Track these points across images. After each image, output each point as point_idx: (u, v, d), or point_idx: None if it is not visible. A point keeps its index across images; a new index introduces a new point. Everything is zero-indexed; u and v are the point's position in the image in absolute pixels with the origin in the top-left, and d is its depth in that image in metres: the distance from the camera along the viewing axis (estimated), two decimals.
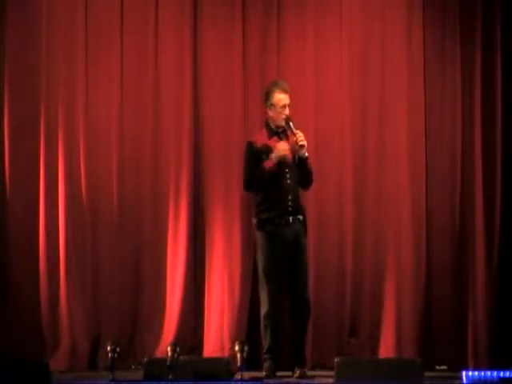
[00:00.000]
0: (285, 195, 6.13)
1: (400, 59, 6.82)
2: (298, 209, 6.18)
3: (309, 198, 6.56)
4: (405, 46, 6.83)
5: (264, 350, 6.19)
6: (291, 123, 6.13)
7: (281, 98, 6.15)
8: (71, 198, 6.73)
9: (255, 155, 6.14)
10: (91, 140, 6.81)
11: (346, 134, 6.81)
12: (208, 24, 6.87)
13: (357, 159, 6.81)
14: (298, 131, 6.09)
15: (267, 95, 6.21)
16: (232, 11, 6.85)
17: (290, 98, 6.17)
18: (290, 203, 6.13)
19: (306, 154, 6.12)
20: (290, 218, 6.13)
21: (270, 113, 6.21)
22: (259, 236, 6.20)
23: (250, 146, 6.18)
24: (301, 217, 6.18)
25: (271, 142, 6.16)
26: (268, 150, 6.14)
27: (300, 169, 6.16)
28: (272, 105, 6.18)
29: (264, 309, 6.16)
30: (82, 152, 6.76)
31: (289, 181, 6.14)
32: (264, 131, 6.25)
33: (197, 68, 6.87)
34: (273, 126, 6.21)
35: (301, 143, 6.08)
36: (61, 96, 6.78)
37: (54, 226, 6.70)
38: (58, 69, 6.80)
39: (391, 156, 6.80)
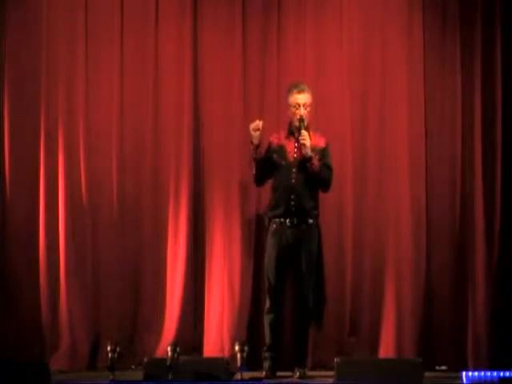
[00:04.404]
0: (287, 195, 6.18)
1: (400, 59, 6.82)
2: (306, 211, 6.19)
3: None
4: (405, 46, 6.82)
5: (264, 348, 6.23)
6: (302, 123, 6.18)
7: (295, 97, 6.25)
8: (71, 198, 6.73)
9: (267, 154, 6.26)
10: (91, 140, 6.81)
11: (346, 134, 6.80)
12: (208, 24, 6.87)
13: (357, 159, 6.81)
14: (303, 131, 6.16)
15: (286, 95, 6.32)
16: (232, 11, 6.85)
17: (311, 98, 6.28)
18: (292, 203, 6.16)
19: (309, 153, 6.16)
20: (295, 219, 6.16)
21: (289, 113, 6.29)
22: (268, 233, 6.27)
23: (268, 145, 6.32)
24: (311, 220, 6.20)
25: (286, 142, 6.27)
26: (281, 150, 6.24)
27: (305, 169, 6.19)
28: (289, 105, 6.30)
29: (266, 305, 6.25)
30: (82, 152, 6.76)
31: (293, 181, 6.19)
32: (284, 131, 6.34)
33: (197, 68, 6.87)
34: (291, 126, 6.30)
35: (301, 142, 6.15)
36: (61, 96, 6.78)
37: (53, 226, 6.70)
38: (57, 68, 6.81)
39: (391, 156, 6.80)
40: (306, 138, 6.14)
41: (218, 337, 6.63)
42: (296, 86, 6.29)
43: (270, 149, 6.30)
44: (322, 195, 6.47)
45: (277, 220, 6.21)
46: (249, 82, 6.86)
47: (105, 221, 6.79)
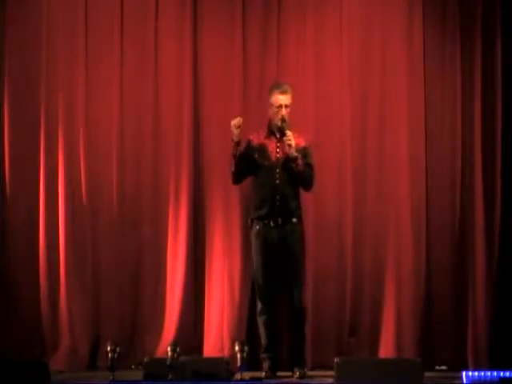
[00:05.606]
0: (272, 195, 6.16)
1: (400, 59, 6.81)
2: (291, 210, 6.19)
3: (308, 199, 6.56)
4: (405, 46, 6.82)
5: (262, 349, 6.23)
6: (285, 123, 6.16)
7: (277, 98, 6.21)
8: (71, 198, 6.73)
9: (247, 152, 6.23)
10: (91, 140, 6.81)
11: (346, 134, 6.80)
12: (208, 24, 6.87)
13: (357, 159, 6.80)
14: (288, 131, 6.13)
15: (268, 95, 6.28)
16: (232, 11, 6.85)
17: (291, 99, 6.22)
18: (277, 203, 6.15)
19: (295, 153, 6.13)
20: (280, 219, 6.16)
21: (270, 112, 6.26)
22: (251, 235, 6.27)
23: (246, 143, 6.27)
24: (295, 219, 6.20)
25: (267, 142, 6.24)
26: (262, 150, 6.22)
27: (289, 169, 6.17)
28: (270, 104, 6.26)
29: (257, 307, 6.27)
30: (81, 152, 6.77)
31: (277, 181, 6.17)
32: (264, 130, 6.30)
33: (197, 68, 6.87)
34: (272, 126, 6.25)
35: (287, 142, 6.12)
36: (61, 96, 6.79)
37: (53, 226, 6.70)
38: (58, 69, 6.81)
39: (391, 156, 6.80)
40: (291, 138, 6.12)
41: (218, 337, 6.63)
42: (278, 87, 6.26)
43: (249, 147, 6.26)
44: (322, 195, 6.49)
45: (260, 221, 6.20)
46: (249, 82, 6.86)
47: (105, 221, 6.80)
